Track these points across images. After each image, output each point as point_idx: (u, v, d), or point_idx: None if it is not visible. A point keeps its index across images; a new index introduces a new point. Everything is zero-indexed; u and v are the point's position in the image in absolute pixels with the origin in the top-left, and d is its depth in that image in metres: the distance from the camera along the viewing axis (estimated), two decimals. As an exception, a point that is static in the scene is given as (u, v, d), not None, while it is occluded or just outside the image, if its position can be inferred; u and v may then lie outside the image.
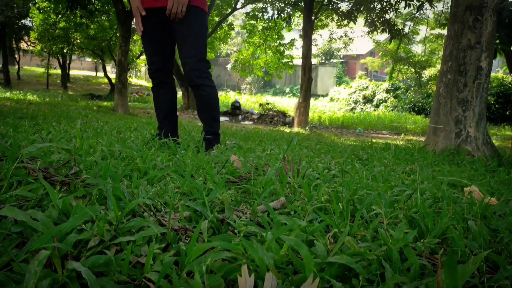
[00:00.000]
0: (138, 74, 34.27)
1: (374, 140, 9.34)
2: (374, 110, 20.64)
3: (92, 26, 17.31)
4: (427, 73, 20.74)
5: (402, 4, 10.58)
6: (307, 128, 11.73)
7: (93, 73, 36.94)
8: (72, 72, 32.42)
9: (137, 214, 0.85)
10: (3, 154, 1.08)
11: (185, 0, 2.25)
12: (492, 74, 16.61)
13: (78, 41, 19.30)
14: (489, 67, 3.86)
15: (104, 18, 17.74)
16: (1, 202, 0.76)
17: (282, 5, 11.63)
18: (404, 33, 12.22)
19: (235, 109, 14.65)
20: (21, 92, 15.56)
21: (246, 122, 13.59)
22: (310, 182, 1.45)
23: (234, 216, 0.92)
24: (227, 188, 1.20)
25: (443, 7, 16.12)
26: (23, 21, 22.40)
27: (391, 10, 10.51)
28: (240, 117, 14.20)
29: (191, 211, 0.90)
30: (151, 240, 0.72)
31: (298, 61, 18.16)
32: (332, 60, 34.63)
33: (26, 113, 4.88)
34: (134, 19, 2.43)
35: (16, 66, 27.68)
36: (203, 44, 2.38)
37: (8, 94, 13.33)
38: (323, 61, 34.57)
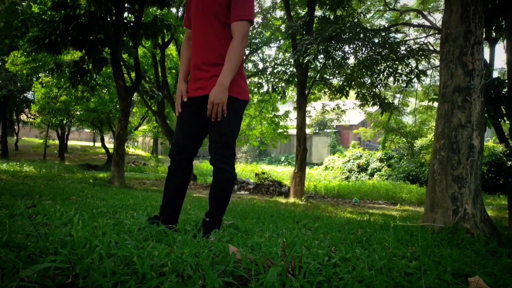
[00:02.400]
0: (136, 144, 34.67)
1: (371, 211, 9.29)
2: (369, 178, 20.70)
3: (92, 100, 17.79)
4: (419, 142, 21.15)
5: (391, 79, 11.07)
6: (303, 198, 11.66)
7: (91, 143, 37.41)
8: (70, 143, 32.77)
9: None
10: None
11: (224, 100, 2.25)
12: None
13: (78, 113, 19.73)
14: (481, 144, 3.95)
15: (105, 92, 18.31)
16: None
17: (277, 80, 12.17)
18: (395, 106, 12.65)
19: (231, 180, 14.63)
20: (18, 163, 15.57)
21: (242, 192, 13.54)
22: (312, 280, 1.42)
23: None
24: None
25: (430, 81, 16.88)
26: (25, 94, 23.07)
27: (381, 85, 10.97)
28: (236, 187, 14.16)
29: (191, 329, 0.87)
30: None
31: (293, 131, 18.57)
32: (325, 130, 35.44)
33: (22, 189, 4.83)
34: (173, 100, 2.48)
35: (15, 137, 28.01)
36: (232, 132, 2.39)
37: (4, 166, 13.31)
38: (317, 131, 35.35)
